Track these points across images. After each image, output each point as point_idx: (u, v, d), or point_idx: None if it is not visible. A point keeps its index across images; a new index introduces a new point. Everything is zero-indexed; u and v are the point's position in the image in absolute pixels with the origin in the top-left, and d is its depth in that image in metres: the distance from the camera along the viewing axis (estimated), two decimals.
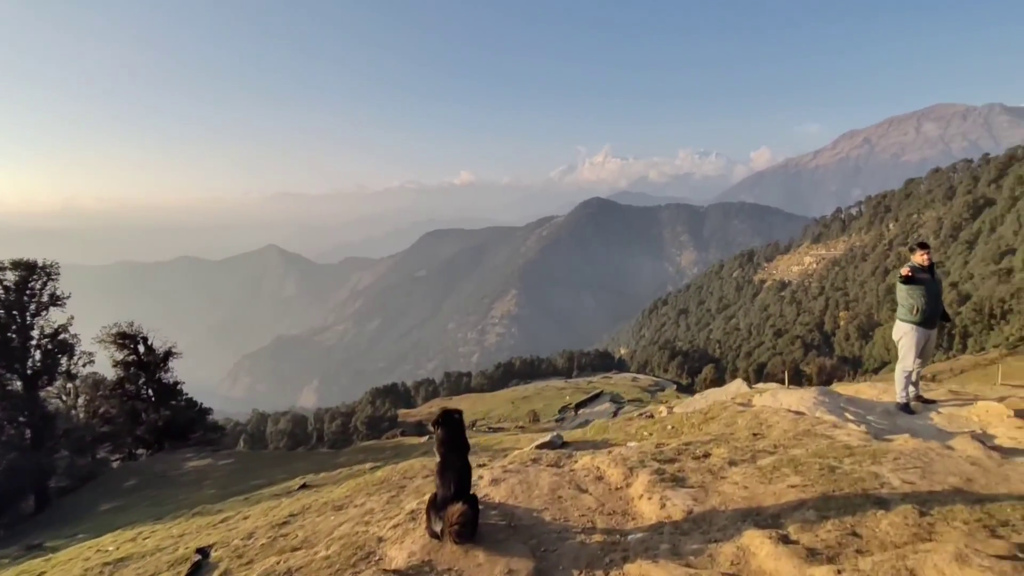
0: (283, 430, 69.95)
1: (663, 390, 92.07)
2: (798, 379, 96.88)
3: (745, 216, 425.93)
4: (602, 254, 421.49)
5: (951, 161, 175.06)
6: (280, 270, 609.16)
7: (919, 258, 6.55)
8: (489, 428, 41.88)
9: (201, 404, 31.66)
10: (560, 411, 50.30)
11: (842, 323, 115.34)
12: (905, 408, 6.38)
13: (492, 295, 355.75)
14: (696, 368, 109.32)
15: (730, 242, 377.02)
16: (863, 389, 7.53)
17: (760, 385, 11.70)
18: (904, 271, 6.50)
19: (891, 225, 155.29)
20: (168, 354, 29.41)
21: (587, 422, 24.25)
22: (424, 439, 36.09)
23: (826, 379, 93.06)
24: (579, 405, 40.80)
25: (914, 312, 6.42)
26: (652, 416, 9.84)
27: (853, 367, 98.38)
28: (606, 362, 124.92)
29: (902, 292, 6.58)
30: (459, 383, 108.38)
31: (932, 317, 6.52)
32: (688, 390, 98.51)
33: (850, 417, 5.97)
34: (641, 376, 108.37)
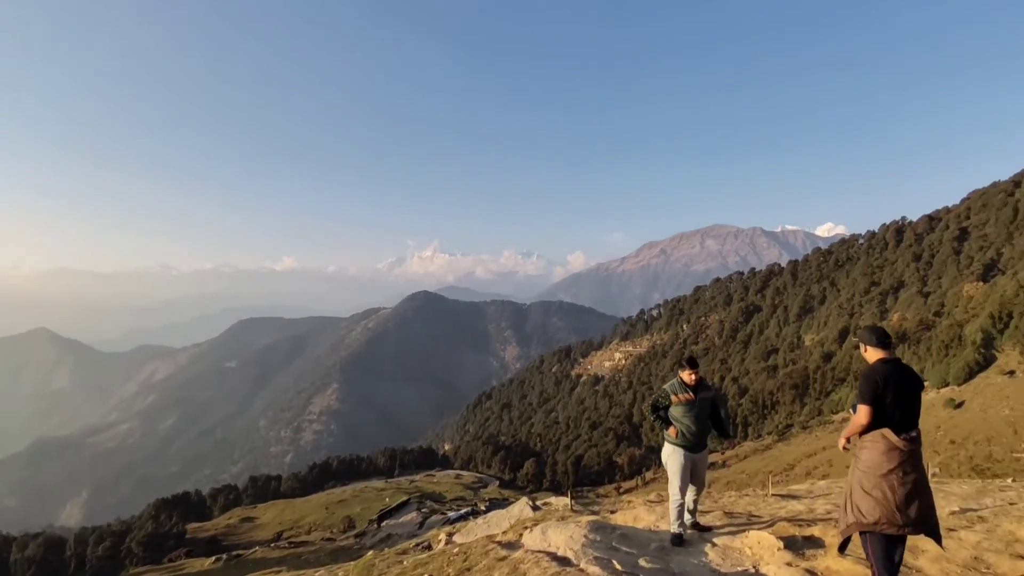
0: (31, 557, 55.46)
1: (486, 486, 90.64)
2: (611, 471, 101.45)
3: (563, 314, 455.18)
4: (428, 347, 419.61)
5: (728, 272, 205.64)
6: (50, 358, 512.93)
7: (687, 376, 6.00)
8: (291, 543, 36.81)
9: None
10: (377, 516, 46.06)
11: (648, 415, 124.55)
12: (678, 540, 5.77)
13: (311, 389, 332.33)
14: (518, 463, 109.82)
15: (550, 338, 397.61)
16: (641, 515, 7.13)
17: (550, 500, 11.61)
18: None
19: (684, 326, 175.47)
20: None
21: (389, 537, 22.18)
22: (212, 560, 30.96)
23: (636, 468, 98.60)
24: (382, 516, 37.45)
25: (675, 435, 5.94)
26: (430, 547, 9.10)
27: (659, 456, 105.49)
28: (430, 459, 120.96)
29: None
30: (267, 488, 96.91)
31: (698, 440, 5.99)
32: (511, 485, 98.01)
33: (619, 568, 5.23)
34: (465, 473, 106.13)
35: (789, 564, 4.54)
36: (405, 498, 52.51)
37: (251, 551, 35.01)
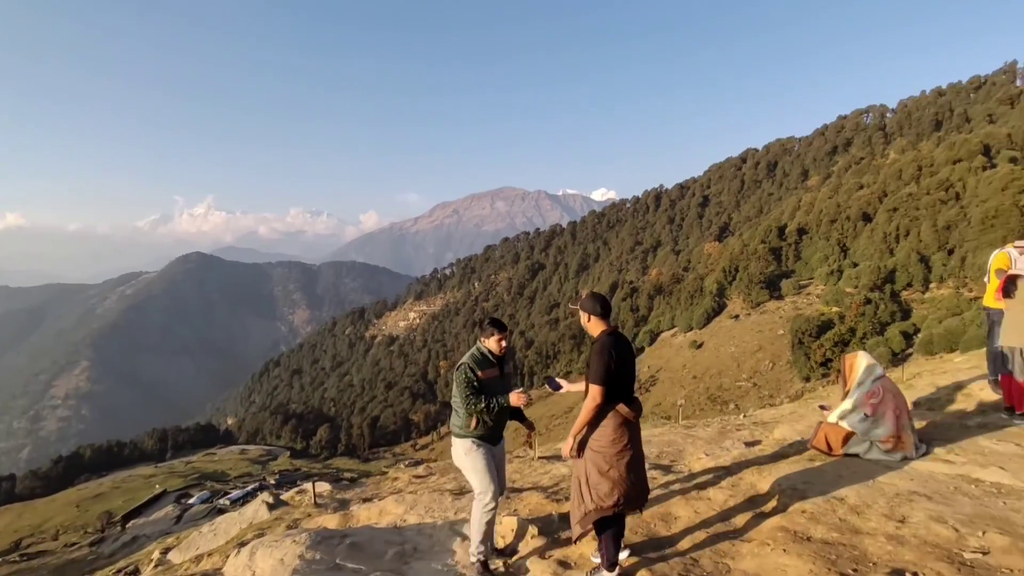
0: None
1: (276, 459, 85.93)
2: (408, 429, 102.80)
3: (356, 275, 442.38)
4: (205, 314, 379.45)
5: (516, 233, 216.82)
6: None
7: (494, 344, 4.02)
8: (23, 556, 30.26)
9: None
10: (121, 517, 38.80)
11: (442, 371, 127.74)
12: (485, 569, 3.98)
13: (53, 369, 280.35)
14: (311, 430, 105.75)
15: (343, 300, 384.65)
16: (388, 507, 5.94)
17: (304, 489, 10.32)
18: (467, 391, 3.90)
19: (476, 284, 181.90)
20: None
21: (134, 540, 19.53)
22: None
23: (432, 424, 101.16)
24: (128, 515, 32.48)
25: (475, 426, 3.97)
26: (137, 571, 8.31)
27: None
28: (210, 436, 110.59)
29: (458, 393, 3.95)
30: None
31: (499, 429, 4.21)
32: (304, 455, 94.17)
33: None
34: (251, 447, 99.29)
35: (542, 555, 4.06)
36: (158, 491, 46.81)
37: None
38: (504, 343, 4.03)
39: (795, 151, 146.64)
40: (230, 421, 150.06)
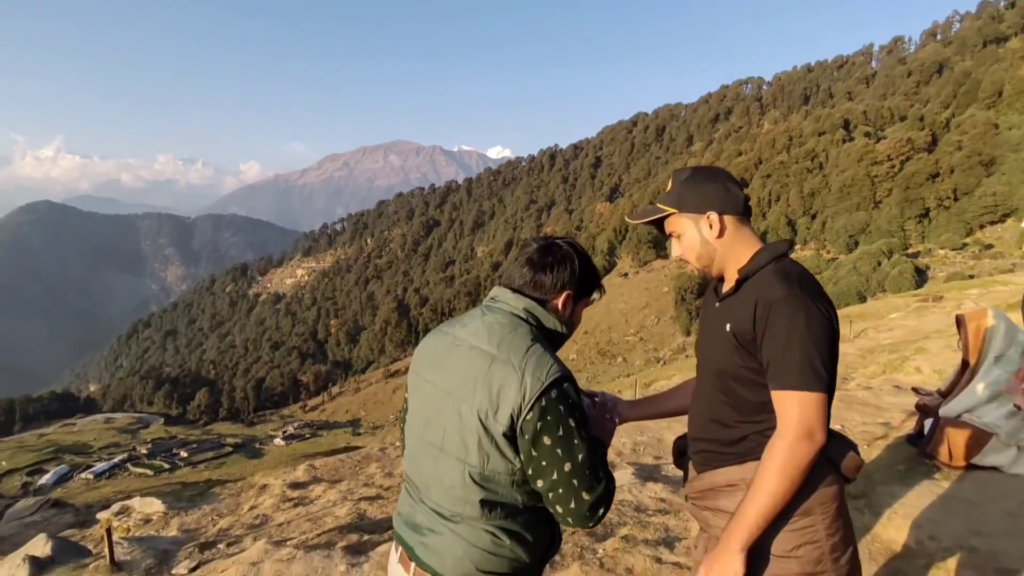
0: None
1: (147, 427, 79.55)
2: (296, 390, 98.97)
3: (237, 229, 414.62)
4: (58, 271, 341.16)
5: (410, 188, 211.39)
6: None
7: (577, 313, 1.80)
8: None
9: None
10: None
11: (333, 330, 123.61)
12: None
13: None
14: (188, 395, 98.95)
15: (223, 256, 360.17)
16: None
17: (130, 505, 7.49)
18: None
19: (369, 240, 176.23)
20: None
21: None
22: None
23: (323, 385, 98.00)
24: None
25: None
26: None
27: (345, 370, 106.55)
28: (67, 405, 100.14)
29: (549, 455, 1.47)
30: None
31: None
32: (180, 421, 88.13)
33: None
34: (118, 415, 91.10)
35: None
36: None
37: None
38: None
39: (682, 117, 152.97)
40: (92, 388, 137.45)
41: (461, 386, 1.29)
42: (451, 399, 1.30)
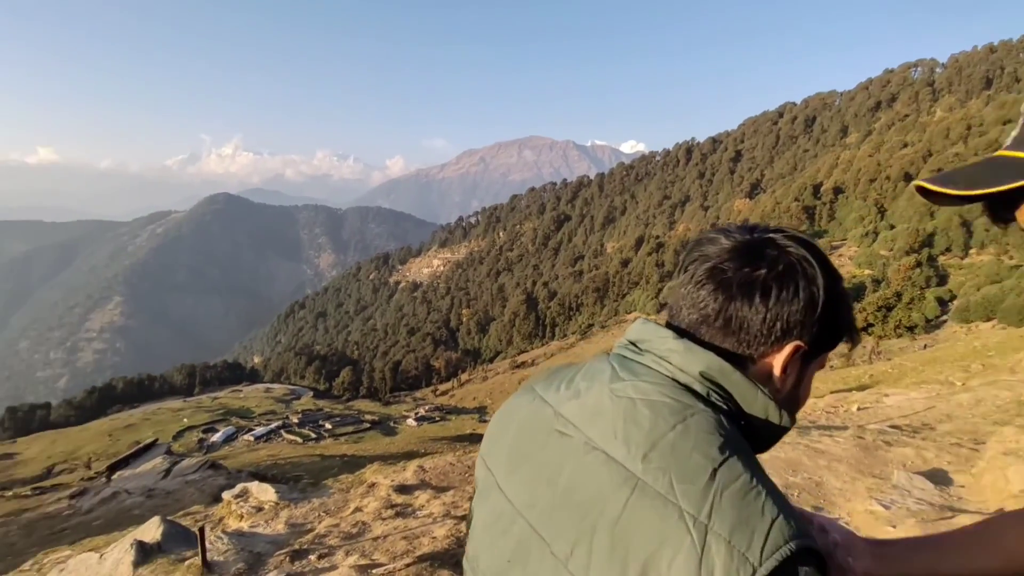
0: None
1: (299, 398, 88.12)
2: (429, 374, 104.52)
3: (382, 220, 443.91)
4: (232, 255, 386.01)
5: (543, 183, 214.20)
6: None
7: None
8: (34, 490, 31.36)
9: None
10: (107, 467, 38.30)
11: (465, 319, 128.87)
12: None
13: (88, 303, 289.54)
14: (334, 372, 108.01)
15: (368, 245, 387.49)
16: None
17: (227, 502, 8.10)
18: None
19: (501, 233, 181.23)
20: None
21: (114, 496, 19.50)
22: None
23: (453, 371, 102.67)
24: (114, 466, 32.23)
25: None
26: None
27: (474, 358, 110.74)
28: (236, 374, 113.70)
29: None
30: (30, 419, 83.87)
31: None
32: (327, 395, 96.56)
33: None
34: (276, 386, 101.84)
35: None
36: (151, 439, 48.00)
37: None
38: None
39: (835, 106, 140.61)
40: (256, 360, 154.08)
41: (564, 528, 0.66)
42: (541, 545, 0.68)
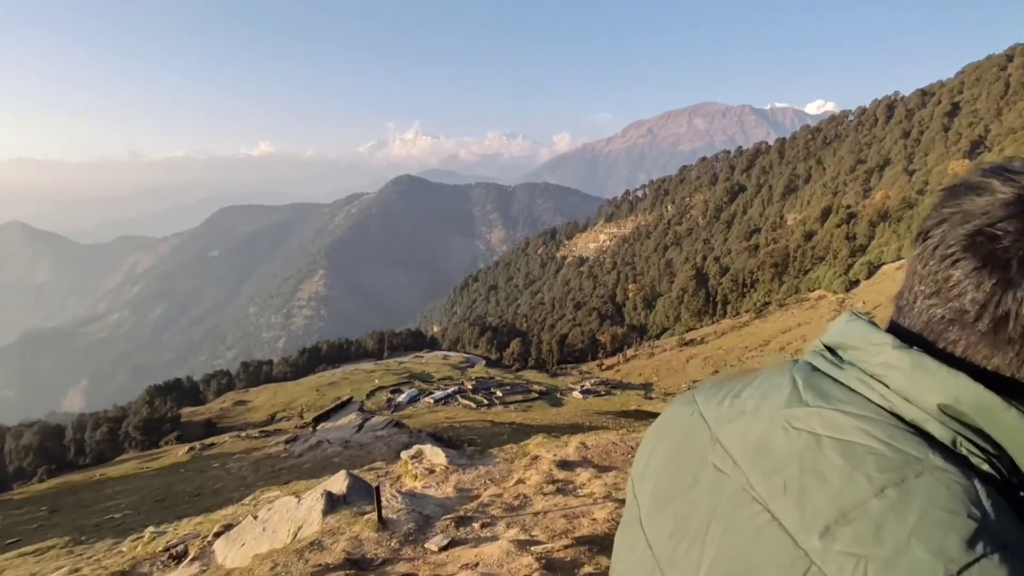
0: (28, 445, 57.50)
1: (473, 366, 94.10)
2: (595, 348, 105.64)
3: (549, 196, 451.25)
4: (414, 232, 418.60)
5: (715, 152, 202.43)
6: (28, 251, 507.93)
7: None
8: (262, 432, 38.27)
9: None
10: (313, 419, 44.64)
11: (631, 294, 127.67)
12: None
13: (298, 276, 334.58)
14: (505, 342, 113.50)
15: (536, 220, 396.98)
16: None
17: (404, 462, 8.66)
18: None
19: (669, 206, 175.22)
20: None
21: (319, 444, 22.37)
22: (187, 450, 31.86)
23: (618, 346, 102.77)
24: (319, 418, 37.68)
25: None
26: (184, 555, 7.16)
27: (640, 334, 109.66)
28: (418, 341, 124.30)
29: None
30: (259, 373, 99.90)
31: None
32: (498, 364, 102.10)
33: None
34: (452, 354, 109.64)
35: None
36: (347, 396, 53.79)
37: (221, 441, 36.86)
38: None
39: None
40: (435, 329, 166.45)
41: None
42: None
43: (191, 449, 33.73)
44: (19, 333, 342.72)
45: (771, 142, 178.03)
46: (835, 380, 0.49)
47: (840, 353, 0.50)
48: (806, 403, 0.47)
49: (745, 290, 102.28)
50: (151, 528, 9.73)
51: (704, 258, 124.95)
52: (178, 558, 7.06)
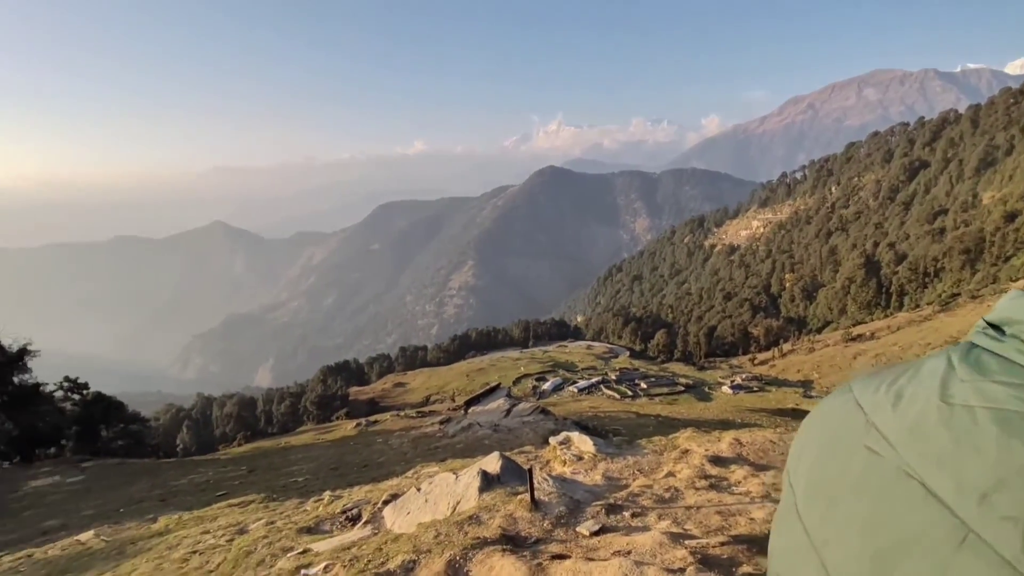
0: (229, 414, 67.80)
1: (616, 356, 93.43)
2: (746, 341, 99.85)
3: (696, 182, 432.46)
4: (557, 222, 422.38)
5: (889, 125, 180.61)
6: (227, 247, 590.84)
7: None
8: (419, 413, 41.00)
9: (112, 398, 29.55)
10: (464, 403, 46.33)
11: (788, 285, 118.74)
12: None
13: (449, 266, 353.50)
14: (649, 334, 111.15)
15: (682, 208, 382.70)
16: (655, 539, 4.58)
17: (551, 447, 8.75)
18: None
19: (833, 188, 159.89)
20: (23, 352, 26.10)
21: (470, 427, 23.10)
22: (355, 425, 34.86)
23: (773, 340, 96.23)
24: (469, 402, 38.98)
25: None
26: (358, 517, 7.68)
27: (798, 327, 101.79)
28: (562, 331, 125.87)
29: None
30: (415, 358, 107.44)
31: None
32: (642, 356, 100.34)
33: None
34: (596, 344, 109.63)
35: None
36: (496, 382, 55.09)
37: (383, 419, 39.98)
38: None
39: None
40: (579, 319, 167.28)
41: None
42: None
43: (358, 424, 37.32)
44: (222, 318, 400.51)
45: (961, 110, 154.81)
46: (993, 353, 0.50)
47: (1003, 327, 0.52)
48: (961, 379, 0.48)
49: (927, 280, 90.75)
50: (328, 492, 11.10)
51: (875, 244, 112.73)
52: (353, 520, 7.80)
